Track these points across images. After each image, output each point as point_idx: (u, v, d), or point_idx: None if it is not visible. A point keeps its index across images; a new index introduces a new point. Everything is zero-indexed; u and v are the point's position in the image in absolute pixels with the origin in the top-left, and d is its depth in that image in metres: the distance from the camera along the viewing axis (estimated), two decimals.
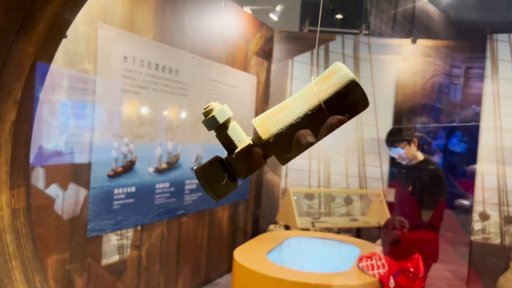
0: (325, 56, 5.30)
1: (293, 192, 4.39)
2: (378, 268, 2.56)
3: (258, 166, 0.76)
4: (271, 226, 4.80)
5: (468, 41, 5.91)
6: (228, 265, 4.65)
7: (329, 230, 4.49)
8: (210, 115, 0.78)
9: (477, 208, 4.70)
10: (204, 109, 0.79)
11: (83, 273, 2.82)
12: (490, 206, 4.67)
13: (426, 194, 2.79)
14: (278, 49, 5.30)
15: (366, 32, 5.73)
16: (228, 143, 0.79)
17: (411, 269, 2.55)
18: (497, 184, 4.66)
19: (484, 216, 4.69)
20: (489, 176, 4.68)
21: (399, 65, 5.34)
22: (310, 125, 0.70)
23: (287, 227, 4.49)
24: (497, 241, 4.64)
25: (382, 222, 4.64)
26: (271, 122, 0.72)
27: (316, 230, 4.30)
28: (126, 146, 3.10)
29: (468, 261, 4.79)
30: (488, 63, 4.78)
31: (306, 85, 0.73)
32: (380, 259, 2.60)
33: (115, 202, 3.03)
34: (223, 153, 0.82)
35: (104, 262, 2.99)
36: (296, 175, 5.30)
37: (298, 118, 0.69)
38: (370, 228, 4.68)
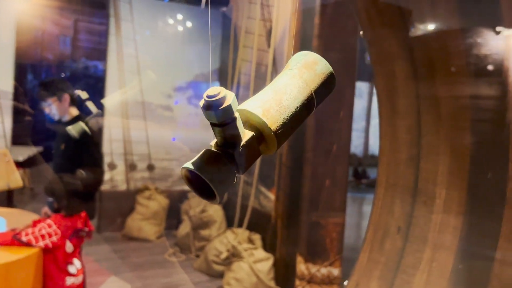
0: None
1: None
2: (50, 236, 2.37)
3: (256, 158, 0.70)
4: None
5: None
6: None
7: None
8: (226, 104, 0.61)
9: (106, 160, 5.01)
10: (212, 97, 0.61)
11: None
12: (116, 156, 5.08)
13: (79, 151, 2.72)
14: None
15: None
16: (233, 136, 0.65)
17: (86, 228, 2.51)
18: (122, 135, 5.10)
19: (112, 166, 5.06)
20: (116, 129, 5.05)
21: (20, 7, 4.72)
22: (305, 113, 0.73)
23: None
24: (123, 187, 5.13)
25: (13, 185, 4.18)
26: (275, 112, 0.68)
27: None
28: None
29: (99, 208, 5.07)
30: (112, 21, 5.01)
31: (285, 72, 0.72)
32: (50, 226, 2.40)
33: None
34: None
35: None
36: None
37: (297, 107, 0.71)
38: None
